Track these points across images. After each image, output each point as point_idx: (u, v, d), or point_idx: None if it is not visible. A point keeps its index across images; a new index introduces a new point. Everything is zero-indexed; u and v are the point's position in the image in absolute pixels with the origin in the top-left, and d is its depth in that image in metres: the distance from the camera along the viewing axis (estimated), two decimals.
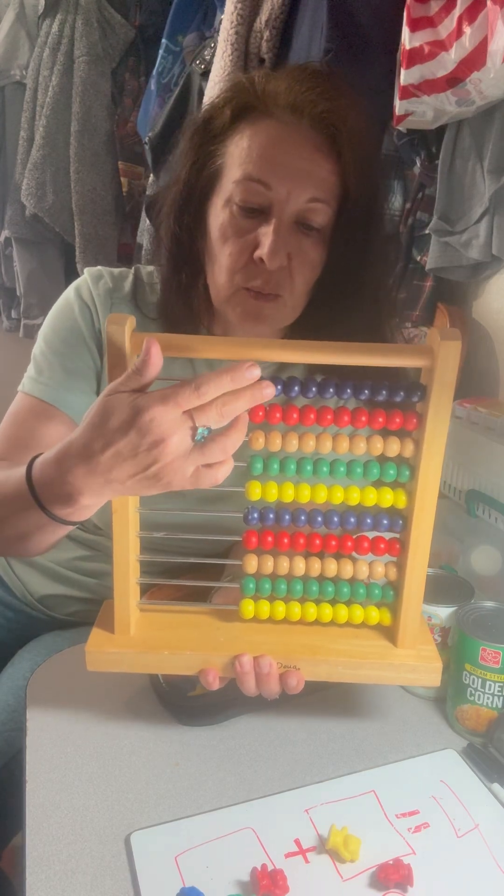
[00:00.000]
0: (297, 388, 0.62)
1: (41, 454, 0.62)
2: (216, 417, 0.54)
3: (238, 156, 0.75)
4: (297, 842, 0.61)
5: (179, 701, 0.73)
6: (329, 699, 0.76)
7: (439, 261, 1.18)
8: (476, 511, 0.97)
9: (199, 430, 0.54)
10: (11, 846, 0.84)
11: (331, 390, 0.62)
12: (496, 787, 0.67)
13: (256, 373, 0.55)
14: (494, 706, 0.72)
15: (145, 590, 0.80)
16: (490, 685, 0.71)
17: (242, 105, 0.76)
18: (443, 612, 0.77)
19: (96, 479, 0.56)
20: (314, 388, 0.62)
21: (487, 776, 0.68)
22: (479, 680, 0.71)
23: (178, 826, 0.62)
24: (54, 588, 0.98)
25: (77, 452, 0.56)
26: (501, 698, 0.71)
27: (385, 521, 0.66)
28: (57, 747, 0.70)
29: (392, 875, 0.57)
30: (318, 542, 0.67)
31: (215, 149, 0.77)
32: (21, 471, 0.63)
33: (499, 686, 0.71)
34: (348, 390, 0.62)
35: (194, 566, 0.86)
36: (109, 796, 0.65)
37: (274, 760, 0.70)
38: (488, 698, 0.71)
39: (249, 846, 0.60)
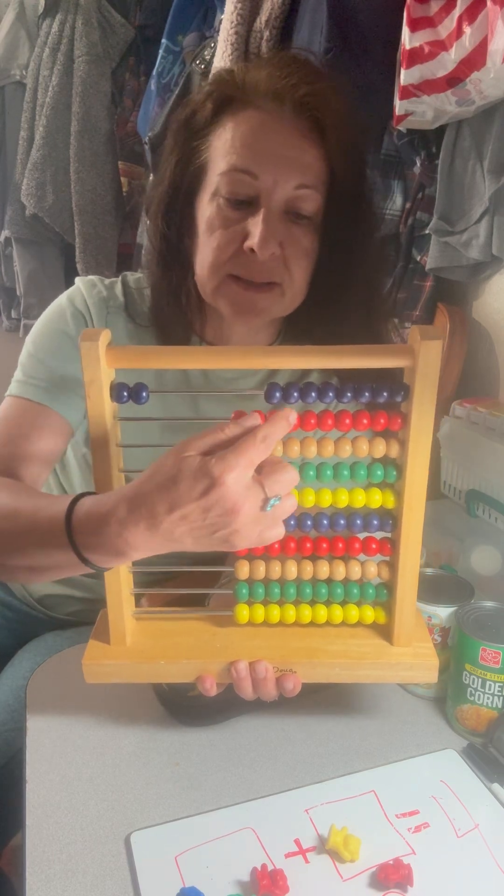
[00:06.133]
0: (278, 395, 0.62)
1: (81, 497, 0.60)
2: (287, 487, 0.55)
3: (222, 148, 0.74)
4: (297, 842, 0.61)
5: (179, 701, 0.73)
6: (329, 699, 0.76)
7: (439, 261, 1.18)
8: (476, 511, 0.97)
9: (272, 501, 0.54)
10: (11, 846, 0.84)
11: (313, 394, 0.61)
12: (496, 787, 0.67)
13: (294, 417, 0.57)
14: (494, 706, 0.72)
15: (138, 599, 0.80)
16: (490, 685, 0.71)
17: (223, 97, 0.75)
18: (443, 612, 0.76)
19: (156, 538, 0.54)
20: (296, 394, 0.62)
21: (487, 776, 0.68)
22: (479, 680, 0.71)
23: (178, 826, 0.62)
24: (54, 588, 0.98)
25: (139, 511, 0.54)
26: (501, 698, 0.71)
27: (375, 522, 0.66)
28: (57, 747, 0.70)
29: (392, 875, 0.57)
30: (308, 545, 0.67)
31: (199, 144, 0.77)
32: (55, 508, 0.60)
33: (499, 686, 0.71)
34: (331, 393, 0.61)
35: (187, 572, 0.85)
36: (109, 796, 0.65)
37: (274, 760, 0.70)
38: (488, 698, 0.71)
39: (249, 846, 0.60)
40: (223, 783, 0.67)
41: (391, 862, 0.58)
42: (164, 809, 0.64)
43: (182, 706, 0.73)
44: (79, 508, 0.58)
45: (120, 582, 0.66)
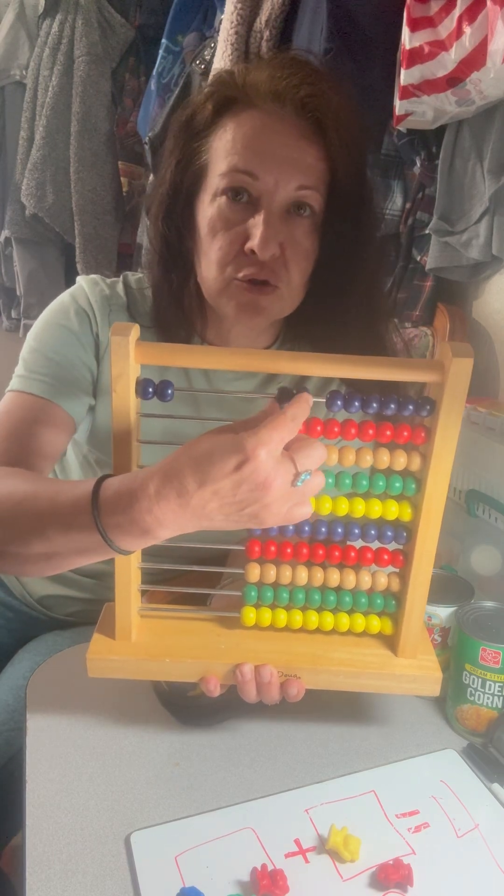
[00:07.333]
0: None
1: (107, 477, 0.59)
2: (317, 462, 0.56)
3: (223, 149, 0.74)
4: (297, 842, 0.61)
5: (179, 701, 0.73)
6: (329, 699, 0.76)
7: (439, 261, 1.18)
8: (476, 511, 0.97)
9: (302, 476, 0.55)
10: (11, 846, 0.84)
11: (339, 403, 0.61)
12: (496, 787, 0.67)
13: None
14: (494, 706, 0.72)
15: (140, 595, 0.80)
16: (490, 685, 0.71)
17: (224, 98, 0.75)
18: (443, 612, 0.77)
19: (185, 515, 0.54)
20: (322, 401, 0.62)
21: (487, 776, 0.68)
22: (479, 680, 0.71)
23: (178, 826, 0.62)
24: (53, 588, 0.98)
25: (171, 485, 0.53)
26: (501, 698, 0.71)
27: (389, 533, 0.66)
28: (57, 747, 0.70)
29: (392, 875, 0.57)
30: (321, 552, 0.67)
31: (199, 145, 0.76)
32: (78, 490, 0.59)
33: (499, 686, 0.71)
34: (356, 403, 0.61)
35: (188, 572, 0.85)
36: (109, 796, 0.65)
37: (274, 760, 0.70)
38: (488, 698, 0.71)
39: (249, 846, 0.60)
40: (223, 783, 0.67)
41: (391, 862, 0.58)
42: (164, 809, 0.64)
43: (182, 706, 0.73)
44: (106, 488, 0.58)
45: (129, 577, 0.66)
